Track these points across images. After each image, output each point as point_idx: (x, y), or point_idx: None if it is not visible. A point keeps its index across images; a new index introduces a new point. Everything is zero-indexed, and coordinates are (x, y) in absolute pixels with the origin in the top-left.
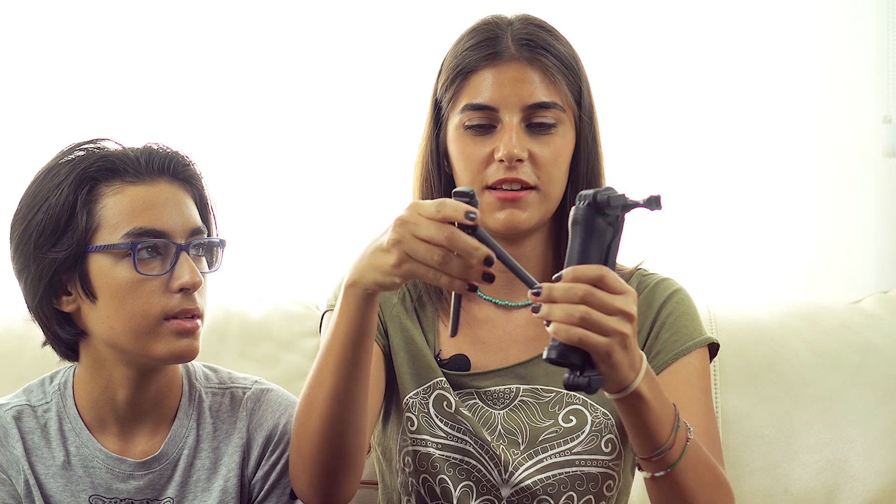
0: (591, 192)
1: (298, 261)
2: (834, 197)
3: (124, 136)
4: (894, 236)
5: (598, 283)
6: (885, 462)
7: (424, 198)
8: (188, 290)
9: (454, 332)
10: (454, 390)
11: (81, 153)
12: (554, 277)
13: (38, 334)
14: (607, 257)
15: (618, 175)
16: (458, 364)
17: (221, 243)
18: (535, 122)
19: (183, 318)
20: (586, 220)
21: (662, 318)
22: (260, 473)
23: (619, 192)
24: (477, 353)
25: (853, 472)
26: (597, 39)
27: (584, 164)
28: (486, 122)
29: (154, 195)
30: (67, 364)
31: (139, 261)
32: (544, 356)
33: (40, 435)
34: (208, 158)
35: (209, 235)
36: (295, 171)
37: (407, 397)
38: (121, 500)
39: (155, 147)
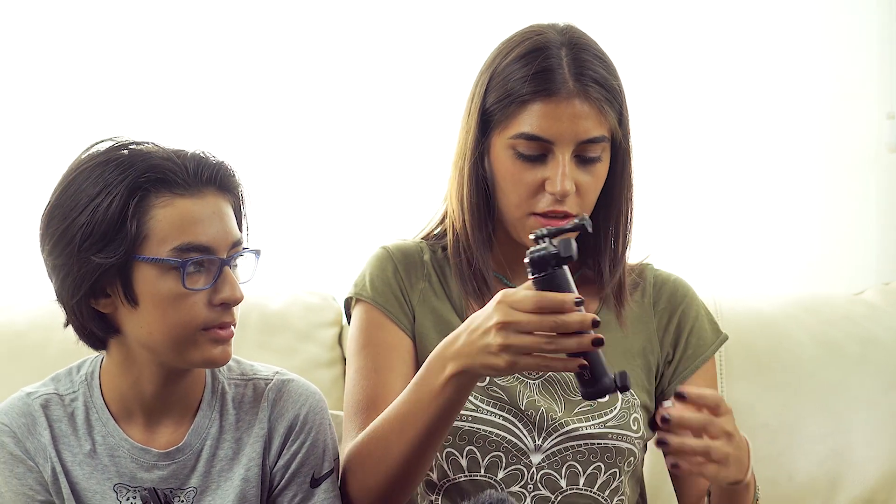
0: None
1: (316, 253)
2: (837, 191)
3: (137, 135)
4: None
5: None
6: (887, 450)
7: (470, 201)
8: (229, 305)
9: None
10: None
11: (126, 154)
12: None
13: (62, 326)
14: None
15: None
16: None
17: (257, 254)
18: (583, 156)
19: (220, 328)
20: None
21: (691, 319)
22: (281, 462)
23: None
24: None
25: (856, 460)
26: (604, 38)
27: (619, 187)
28: (538, 152)
29: (201, 208)
30: (94, 353)
31: (186, 275)
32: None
33: (67, 423)
34: (225, 152)
35: (245, 244)
36: (311, 166)
37: None
38: (145, 489)
39: (202, 156)
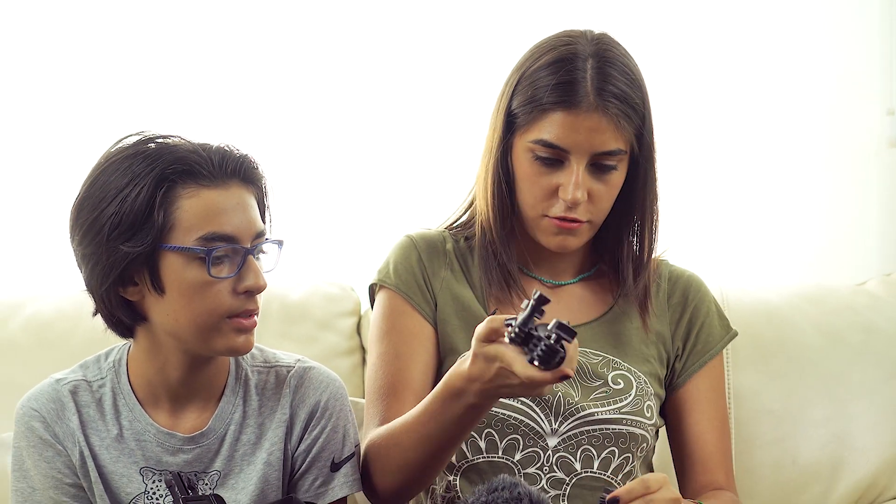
0: None
1: (335, 245)
2: (840, 185)
3: (163, 129)
4: None
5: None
6: (888, 436)
7: (494, 197)
8: (253, 293)
9: None
10: None
11: (153, 147)
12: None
13: (88, 316)
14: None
15: None
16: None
17: (280, 244)
18: (599, 164)
19: (244, 316)
20: None
21: (702, 316)
22: (302, 447)
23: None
24: None
25: (857, 445)
26: (612, 31)
27: (640, 196)
28: (554, 158)
29: (226, 199)
30: (122, 341)
31: (211, 264)
32: None
33: (95, 409)
34: (248, 146)
35: (268, 234)
36: (330, 160)
37: (461, 356)
38: (170, 473)
39: (227, 149)
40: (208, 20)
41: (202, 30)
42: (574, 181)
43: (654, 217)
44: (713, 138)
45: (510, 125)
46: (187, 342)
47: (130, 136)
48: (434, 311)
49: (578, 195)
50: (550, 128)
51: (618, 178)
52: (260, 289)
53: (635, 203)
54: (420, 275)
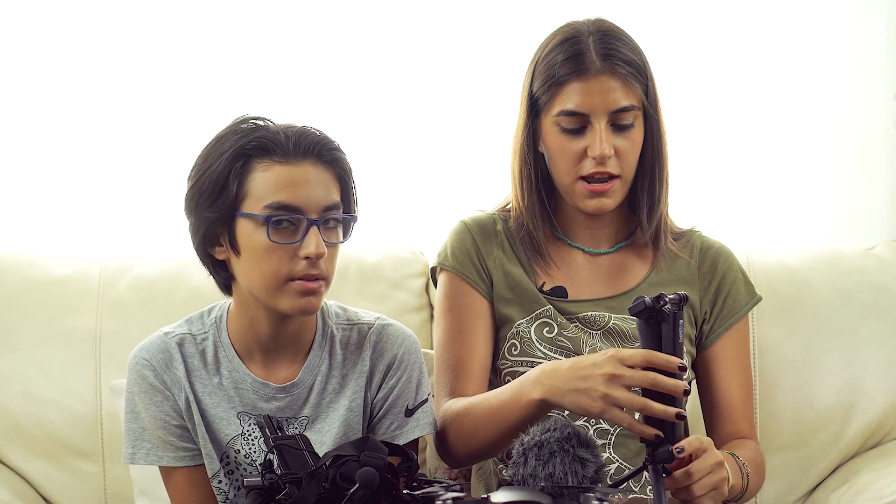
0: (641, 304)
1: (406, 215)
2: (852, 161)
3: (267, 113)
4: None
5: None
6: (894, 383)
7: (521, 173)
8: (312, 259)
9: None
10: (559, 315)
11: (245, 127)
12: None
13: (190, 276)
14: (674, 348)
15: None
16: (558, 293)
17: (352, 218)
18: (618, 123)
19: (307, 279)
20: (642, 329)
21: (728, 283)
22: (380, 395)
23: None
24: (571, 287)
25: (867, 391)
26: (636, 21)
27: (651, 148)
28: (578, 126)
29: (296, 175)
30: (224, 299)
31: (275, 230)
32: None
33: (199, 359)
34: (337, 130)
35: (347, 210)
36: (402, 143)
37: (514, 325)
38: (262, 417)
39: (307, 131)
40: (300, 21)
41: (293, 30)
42: (599, 138)
43: (664, 166)
44: (742, 122)
45: (534, 108)
46: (260, 299)
47: (241, 117)
48: (490, 287)
49: (605, 149)
50: (569, 97)
51: (637, 134)
52: (318, 256)
53: (645, 156)
54: (475, 255)
